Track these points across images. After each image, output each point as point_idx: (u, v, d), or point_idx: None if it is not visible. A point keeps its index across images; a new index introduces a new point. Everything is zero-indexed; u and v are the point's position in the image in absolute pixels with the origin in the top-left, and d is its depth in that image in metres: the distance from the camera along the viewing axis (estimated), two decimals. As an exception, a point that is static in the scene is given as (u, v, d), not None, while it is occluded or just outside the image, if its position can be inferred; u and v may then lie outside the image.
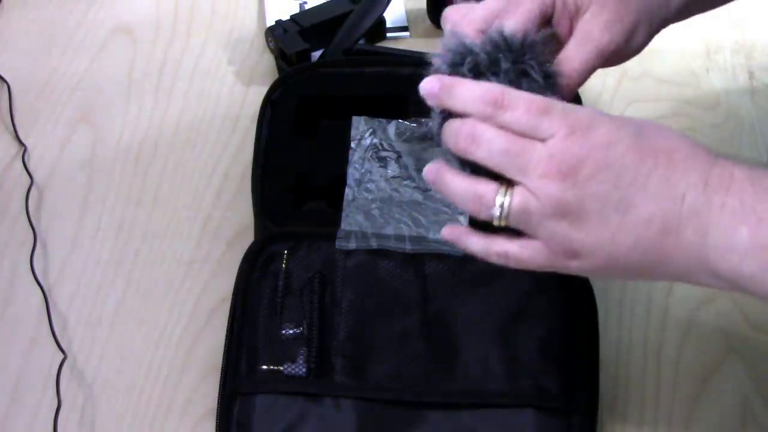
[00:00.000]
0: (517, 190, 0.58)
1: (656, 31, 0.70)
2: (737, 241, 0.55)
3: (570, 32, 0.67)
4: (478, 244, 0.63)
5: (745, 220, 0.55)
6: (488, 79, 0.61)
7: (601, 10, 0.66)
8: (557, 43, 0.67)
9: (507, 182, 0.59)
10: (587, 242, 0.58)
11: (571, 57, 0.66)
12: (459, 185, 0.61)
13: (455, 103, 0.60)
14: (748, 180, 0.56)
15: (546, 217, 0.57)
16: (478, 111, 0.59)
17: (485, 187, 0.59)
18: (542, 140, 0.57)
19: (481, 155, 0.59)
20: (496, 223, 0.59)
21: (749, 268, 0.55)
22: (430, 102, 0.62)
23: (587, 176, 0.56)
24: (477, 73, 0.62)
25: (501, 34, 0.63)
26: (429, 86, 0.61)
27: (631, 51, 0.69)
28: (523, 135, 0.58)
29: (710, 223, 0.56)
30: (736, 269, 0.56)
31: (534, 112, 0.57)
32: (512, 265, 0.61)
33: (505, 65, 0.61)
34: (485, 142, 0.58)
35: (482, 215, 0.60)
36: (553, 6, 0.67)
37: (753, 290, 0.56)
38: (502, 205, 0.58)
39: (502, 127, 0.58)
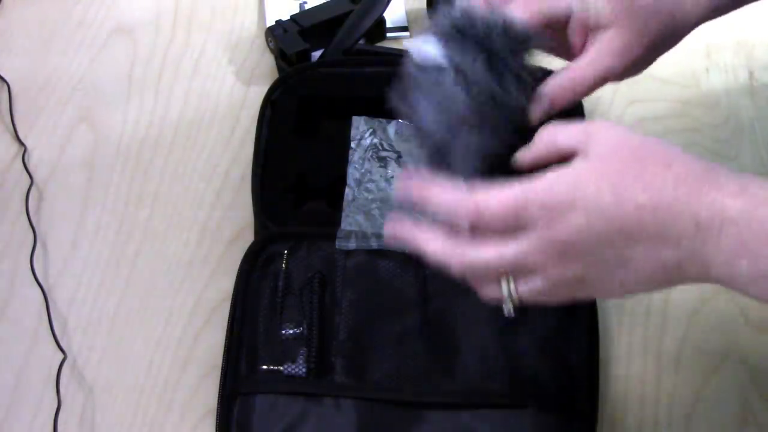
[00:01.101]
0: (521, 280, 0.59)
1: (663, 53, 0.71)
2: (739, 272, 0.55)
3: (583, 44, 0.68)
4: None
5: (743, 254, 0.54)
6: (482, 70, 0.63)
7: (621, 34, 0.67)
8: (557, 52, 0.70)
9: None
10: (595, 294, 0.61)
11: (581, 73, 0.67)
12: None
13: (433, 210, 0.60)
14: (738, 213, 0.54)
15: (550, 289, 0.59)
16: (457, 223, 0.59)
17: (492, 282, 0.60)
18: (525, 231, 0.58)
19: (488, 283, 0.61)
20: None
21: (754, 293, 0.55)
22: (411, 202, 0.62)
23: (577, 255, 0.57)
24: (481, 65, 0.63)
25: (523, 27, 0.64)
26: (404, 190, 0.62)
27: (637, 72, 0.70)
28: (504, 233, 0.58)
29: (710, 260, 0.55)
30: (744, 291, 0.56)
31: (512, 216, 0.57)
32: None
33: (502, 65, 0.63)
34: (487, 282, 0.60)
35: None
36: (567, 17, 0.68)
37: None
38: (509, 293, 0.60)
39: (488, 231, 0.59)
